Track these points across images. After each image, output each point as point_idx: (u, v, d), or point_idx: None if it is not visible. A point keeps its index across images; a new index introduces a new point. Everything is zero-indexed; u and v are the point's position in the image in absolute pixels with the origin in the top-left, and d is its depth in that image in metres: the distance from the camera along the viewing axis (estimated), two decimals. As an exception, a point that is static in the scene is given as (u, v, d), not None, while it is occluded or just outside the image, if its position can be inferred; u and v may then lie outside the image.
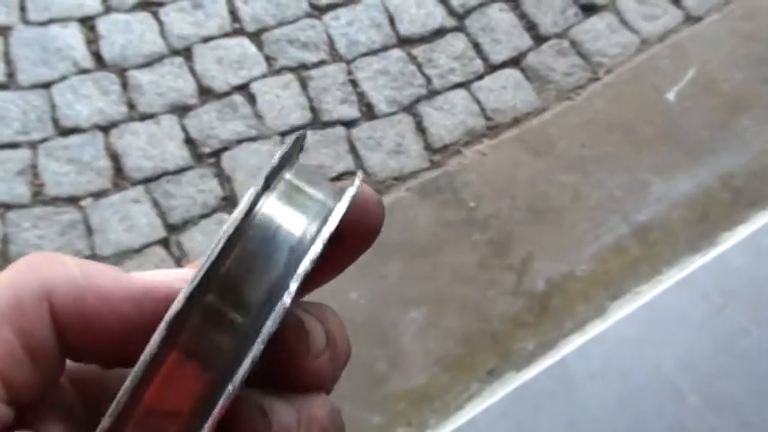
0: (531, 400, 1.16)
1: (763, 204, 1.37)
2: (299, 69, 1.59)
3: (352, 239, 0.27)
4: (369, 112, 1.54)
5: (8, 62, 1.56)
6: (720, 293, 1.23)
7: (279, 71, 1.58)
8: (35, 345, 0.23)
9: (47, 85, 1.53)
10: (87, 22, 1.61)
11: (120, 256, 1.36)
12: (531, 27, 1.65)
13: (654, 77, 1.59)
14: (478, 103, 1.56)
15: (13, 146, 1.47)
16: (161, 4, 1.64)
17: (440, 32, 1.64)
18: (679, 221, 1.38)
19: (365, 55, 1.61)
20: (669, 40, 1.64)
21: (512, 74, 1.60)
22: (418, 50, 1.62)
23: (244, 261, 0.22)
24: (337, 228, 0.23)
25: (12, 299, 0.22)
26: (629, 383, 1.16)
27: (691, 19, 1.67)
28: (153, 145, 1.48)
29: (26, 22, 1.61)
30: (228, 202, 1.43)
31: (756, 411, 1.13)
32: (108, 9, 1.63)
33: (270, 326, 0.21)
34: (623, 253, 1.35)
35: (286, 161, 0.24)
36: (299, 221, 0.23)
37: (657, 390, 1.16)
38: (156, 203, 1.42)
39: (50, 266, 0.23)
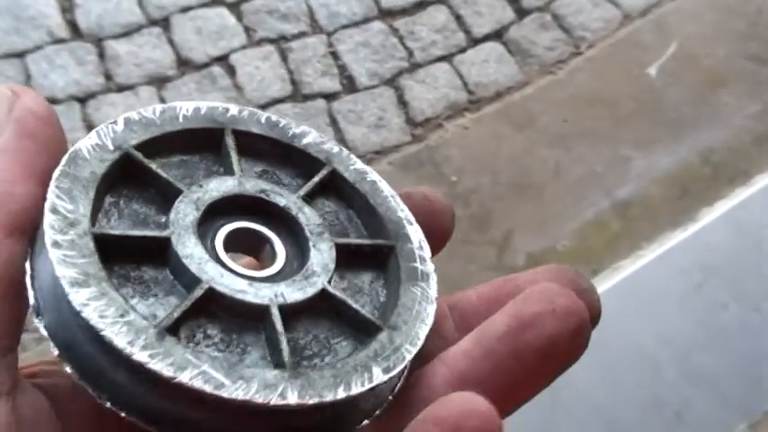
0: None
1: (742, 180, 1.38)
2: (279, 41, 1.56)
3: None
4: (350, 85, 1.52)
5: (-20, 31, 1.52)
6: (699, 269, 1.24)
7: (258, 42, 1.56)
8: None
9: (20, 55, 1.50)
10: (62, -9, 1.58)
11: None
12: (513, 0, 1.64)
13: (636, 52, 1.58)
14: (461, 76, 1.54)
15: (-14, 117, 1.44)
16: (138, -27, 1.61)
17: (422, 4, 1.62)
18: (659, 197, 1.39)
19: (346, 27, 1.59)
20: (651, 14, 1.63)
21: (494, 47, 1.58)
22: (400, 23, 1.60)
23: None
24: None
25: None
26: (607, 356, 1.17)
27: (673, -7, 1.67)
28: (130, 117, 1.45)
29: (-1, -11, 1.57)
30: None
31: (732, 385, 1.15)
32: (83, -23, 1.59)
33: None
34: (604, 228, 1.35)
35: None
36: None
37: (635, 363, 1.17)
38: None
39: None
